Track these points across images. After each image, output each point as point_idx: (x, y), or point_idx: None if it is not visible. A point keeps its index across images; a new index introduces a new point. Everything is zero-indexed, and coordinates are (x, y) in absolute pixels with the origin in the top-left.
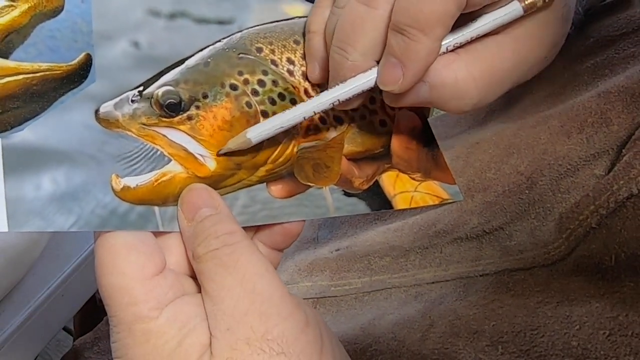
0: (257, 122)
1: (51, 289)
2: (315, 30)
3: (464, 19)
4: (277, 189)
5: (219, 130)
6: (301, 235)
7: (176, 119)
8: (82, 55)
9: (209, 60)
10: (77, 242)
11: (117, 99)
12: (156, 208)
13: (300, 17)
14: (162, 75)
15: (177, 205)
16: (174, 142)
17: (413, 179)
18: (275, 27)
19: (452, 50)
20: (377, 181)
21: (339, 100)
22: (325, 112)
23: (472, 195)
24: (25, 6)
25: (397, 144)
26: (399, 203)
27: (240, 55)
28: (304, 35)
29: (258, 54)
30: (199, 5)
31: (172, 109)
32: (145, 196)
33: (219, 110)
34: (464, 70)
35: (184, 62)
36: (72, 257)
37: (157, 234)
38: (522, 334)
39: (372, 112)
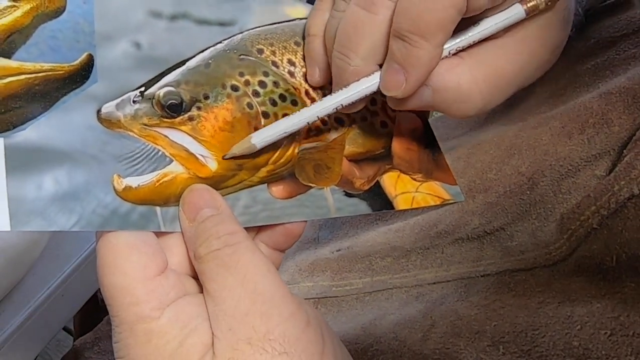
0: (258, 122)
1: (51, 289)
2: (315, 33)
3: (465, 23)
4: (278, 189)
5: (220, 131)
6: (302, 235)
7: (177, 119)
8: (84, 56)
9: (210, 61)
10: (77, 242)
11: (119, 100)
12: (158, 208)
13: (301, 18)
14: (164, 76)
15: (178, 205)
16: (175, 142)
17: (414, 179)
18: (276, 29)
19: (455, 54)
20: (378, 182)
21: (342, 104)
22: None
23: (473, 196)
24: (27, 6)
25: (398, 145)
26: (400, 204)
27: (241, 56)
28: (304, 37)
29: (259, 55)
30: (200, 6)
31: (173, 109)
32: (147, 196)
33: (220, 111)
34: (467, 74)
35: (185, 63)
36: (72, 257)
37: (158, 234)
38: (523, 334)
39: (373, 114)
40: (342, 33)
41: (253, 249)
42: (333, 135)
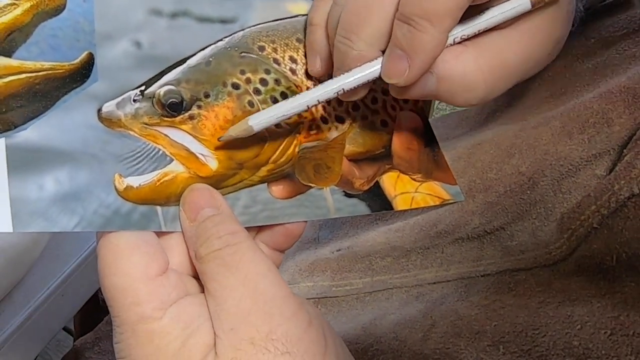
0: None
1: (51, 289)
2: (317, 23)
3: (470, 12)
4: (278, 189)
5: (221, 129)
6: (302, 235)
7: (178, 118)
8: (84, 55)
9: (210, 59)
10: (77, 242)
11: (119, 99)
12: (159, 208)
13: (303, 14)
14: (164, 75)
15: (179, 205)
16: (176, 141)
17: (414, 179)
18: (277, 26)
19: (459, 43)
20: (377, 182)
21: (343, 89)
22: (327, 111)
23: (473, 196)
24: (27, 4)
25: (398, 144)
26: (400, 204)
27: (242, 54)
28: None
29: (260, 53)
30: (201, 4)
31: (173, 108)
32: (148, 196)
33: (220, 110)
34: (472, 63)
35: (185, 62)
36: (72, 257)
37: (159, 234)
38: (523, 333)
39: (374, 112)
40: (346, 17)
41: (254, 249)
42: (333, 134)
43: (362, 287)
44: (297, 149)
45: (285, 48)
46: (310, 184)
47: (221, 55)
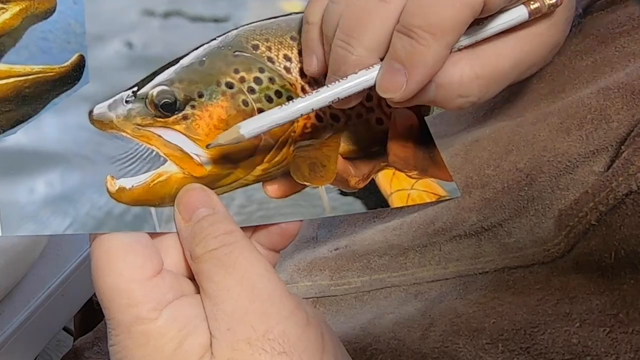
0: None
1: (51, 289)
2: (314, 21)
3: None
4: (273, 188)
5: (215, 129)
6: (300, 234)
7: (171, 118)
8: (75, 57)
9: (204, 58)
10: (77, 242)
11: (111, 100)
12: (152, 209)
13: (297, 12)
14: (157, 75)
15: (173, 205)
16: (170, 142)
17: (410, 176)
18: (271, 24)
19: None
20: (373, 180)
21: (338, 97)
22: (322, 109)
23: (470, 192)
24: (16, 8)
25: (393, 142)
26: (396, 201)
27: (236, 53)
28: (301, 31)
29: (254, 52)
30: (194, 3)
31: (167, 108)
32: (141, 197)
33: (214, 109)
34: (468, 69)
35: (178, 61)
36: (72, 257)
37: (153, 235)
38: (522, 331)
39: (369, 110)
40: (346, 21)
41: (250, 248)
42: (328, 133)
43: (361, 285)
44: (292, 148)
45: (279, 46)
46: (306, 183)
47: (215, 54)
